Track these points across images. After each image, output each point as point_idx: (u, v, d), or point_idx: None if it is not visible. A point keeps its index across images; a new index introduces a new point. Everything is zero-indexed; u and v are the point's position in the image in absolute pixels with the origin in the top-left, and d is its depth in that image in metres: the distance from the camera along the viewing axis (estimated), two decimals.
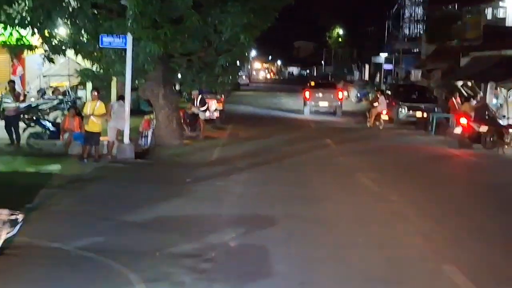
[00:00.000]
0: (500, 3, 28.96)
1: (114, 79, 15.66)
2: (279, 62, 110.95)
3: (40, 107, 16.42)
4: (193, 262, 6.05)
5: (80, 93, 19.79)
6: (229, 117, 22.95)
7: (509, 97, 20.08)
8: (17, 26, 12.25)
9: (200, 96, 17.49)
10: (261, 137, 17.74)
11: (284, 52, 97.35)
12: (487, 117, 16.55)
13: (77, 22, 12.55)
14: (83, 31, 12.88)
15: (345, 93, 35.67)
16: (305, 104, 28.27)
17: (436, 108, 22.06)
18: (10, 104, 13.43)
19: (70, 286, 5.41)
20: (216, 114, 20.43)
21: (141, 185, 10.01)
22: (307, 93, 28.11)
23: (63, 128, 12.92)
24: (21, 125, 13.72)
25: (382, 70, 43.48)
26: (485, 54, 24.80)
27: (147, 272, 5.68)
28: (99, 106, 12.09)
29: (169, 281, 5.51)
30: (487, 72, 22.44)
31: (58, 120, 14.64)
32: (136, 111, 17.42)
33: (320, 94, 27.91)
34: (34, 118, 14.21)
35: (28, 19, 11.87)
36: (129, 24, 11.85)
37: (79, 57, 14.16)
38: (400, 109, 23.04)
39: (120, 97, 13.65)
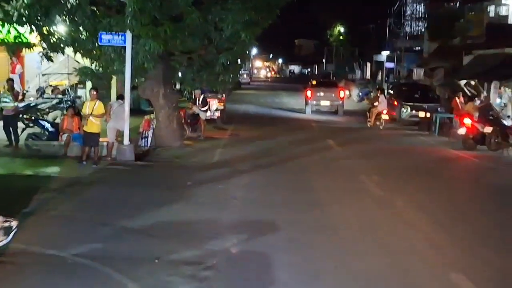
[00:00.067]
0: (503, 1, 28.78)
1: (114, 78, 15.49)
2: (280, 61, 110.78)
3: (39, 107, 16.23)
4: (194, 269, 5.90)
5: (80, 92, 19.59)
6: (230, 116, 22.82)
7: None
8: (14, 24, 12.08)
9: (202, 96, 17.34)
10: (262, 138, 17.59)
11: (285, 50, 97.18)
12: (491, 117, 16.35)
13: (76, 19, 12.39)
14: (81, 28, 12.72)
15: (347, 92, 35.51)
16: (306, 103, 28.13)
17: (439, 108, 21.84)
18: (8, 103, 13.23)
19: None
20: (217, 114, 20.30)
21: (141, 189, 9.87)
22: (308, 92, 27.97)
23: (61, 128, 12.76)
24: (20, 125, 13.54)
25: (384, 68, 43.25)
26: (489, 52, 24.60)
27: (146, 280, 5.56)
28: (98, 106, 11.89)
29: None
30: (490, 71, 22.24)
31: (58, 120, 14.46)
32: (136, 110, 17.26)
33: (322, 93, 27.79)
34: (33, 118, 14.03)
35: (26, 16, 11.69)
36: (128, 21, 11.68)
37: (78, 55, 13.98)
38: (402, 109, 22.83)
39: (120, 97, 13.47)
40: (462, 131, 16.54)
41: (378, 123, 22.06)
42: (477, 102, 18.38)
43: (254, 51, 64.70)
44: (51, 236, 6.87)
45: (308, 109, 27.80)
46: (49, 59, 13.46)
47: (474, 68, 25.02)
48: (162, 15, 12.17)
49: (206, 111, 17.58)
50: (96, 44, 12.68)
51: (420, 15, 48.39)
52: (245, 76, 58.34)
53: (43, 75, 20.19)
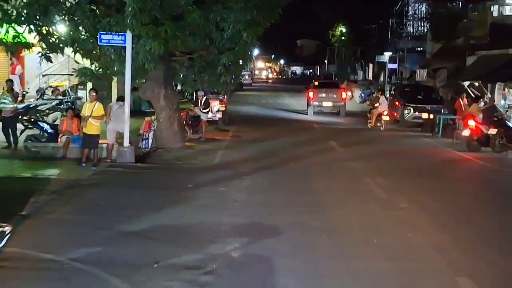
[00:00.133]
0: (507, 0, 28.61)
1: (115, 79, 15.34)
2: (282, 61, 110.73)
3: (39, 108, 16.10)
4: (194, 274, 5.77)
5: (81, 93, 19.46)
6: (232, 118, 22.71)
7: None
8: (13, 23, 11.94)
9: (204, 98, 17.21)
10: (264, 139, 17.45)
11: (287, 50, 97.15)
12: (495, 119, 16.16)
13: (75, 18, 12.27)
14: (81, 28, 12.59)
15: (349, 93, 35.36)
16: (308, 104, 28.01)
17: (442, 110, 21.66)
18: (7, 104, 13.09)
19: None
20: (219, 115, 20.17)
21: (141, 191, 9.73)
22: (310, 93, 27.85)
23: (61, 130, 12.61)
24: (19, 126, 13.40)
25: (386, 69, 43.08)
26: (492, 53, 24.42)
27: (145, 286, 5.46)
28: (98, 108, 11.74)
29: None
30: (494, 71, 22.05)
31: (58, 121, 14.32)
32: (136, 112, 17.14)
33: (324, 94, 27.73)
34: (32, 119, 13.88)
35: (25, 15, 11.56)
36: (128, 20, 11.55)
37: (78, 55, 13.85)
38: (405, 110, 22.66)
39: (120, 98, 13.32)
40: (466, 132, 16.35)
41: (378, 124, 21.94)
42: (482, 103, 18.17)
43: (256, 51, 64.68)
44: (47, 240, 6.73)
45: (310, 110, 27.69)
46: (48, 59, 13.33)
47: (477, 69, 24.83)
48: (162, 14, 12.04)
49: (207, 112, 17.46)
50: (96, 44, 12.54)
51: (423, 15, 48.22)
52: (246, 77, 58.22)
53: (44, 76, 20.10)
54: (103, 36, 12.02)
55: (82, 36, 12.85)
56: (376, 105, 22.35)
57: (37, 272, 5.71)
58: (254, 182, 10.83)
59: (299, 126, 22.84)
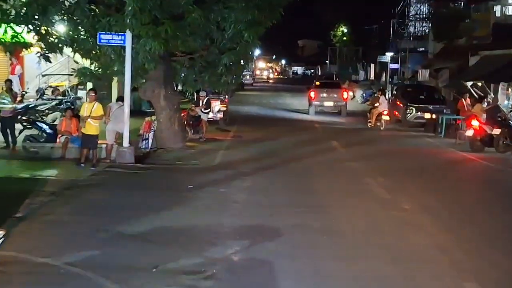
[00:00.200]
0: (509, 0, 28.47)
1: (115, 79, 15.22)
2: (283, 61, 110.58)
3: (38, 108, 15.99)
4: (193, 279, 5.64)
5: (80, 93, 19.34)
6: (233, 118, 22.58)
7: None
8: (12, 23, 11.83)
9: (206, 99, 17.10)
10: (265, 139, 17.33)
11: (288, 51, 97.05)
12: (499, 119, 16.02)
13: (74, 18, 12.16)
14: (80, 28, 12.47)
15: (351, 93, 35.22)
16: (310, 104, 27.96)
17: (445, 110, 21.52)
18: (6, 104, 12.98)
19: None
20: (220, 115, 20.06)
21: (141, 192, 9.61)
22: (312, 93, 27.80)
23: (60, 130, 12.50)
24: (17, 126, 13.29)
25: (388, 69, 42.94)
26: (495, 53, 24.28)
27: None
28: (97, 108, 11.62)
29: None
30: (497, 72, 21.91)
31: (57, 122, 14.20)
32: (136, 112, 17.02)
33: (325, 94, 27.70)
34: (31, 119, 13.77)
35: (23, 14, 11.45)
36: (128, 20, 11.43)
37: (78, 55, 13.74)
38: (408, 110, 22.52)
39: (119, 98, 13.21)
40: (469, 132, 16.22)
41: (378, 124, 21.84)
42: (485, 104, 18.03)
43: (257, 51, 64.49)
44: (44, 243, 6.60)
45: (312, 110, 27.64)
46: (47, 59, 13.21)
47: (480, 69, 24.71)
48: (162, 14, 11.92)
49: (207, 112, 17.35)
50: (96, 44, 12.43)
51: (424, 15, 48.08)
52: (248, 77, 58.09)
53: (43, 76, 20.00)
54: (102, 36, 11.90)
55: (81, 36, 12.74)
56: (376, 104, 22.28)
57: (33, 276, 5.57)
58: (255, 183, 10.72)
59: (300, 126, 22.75)
